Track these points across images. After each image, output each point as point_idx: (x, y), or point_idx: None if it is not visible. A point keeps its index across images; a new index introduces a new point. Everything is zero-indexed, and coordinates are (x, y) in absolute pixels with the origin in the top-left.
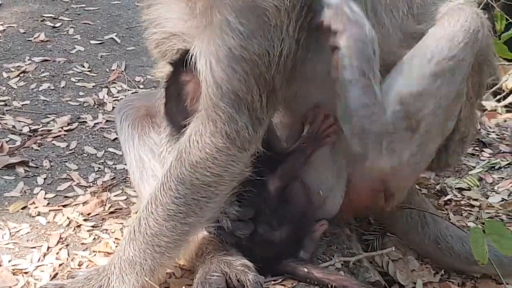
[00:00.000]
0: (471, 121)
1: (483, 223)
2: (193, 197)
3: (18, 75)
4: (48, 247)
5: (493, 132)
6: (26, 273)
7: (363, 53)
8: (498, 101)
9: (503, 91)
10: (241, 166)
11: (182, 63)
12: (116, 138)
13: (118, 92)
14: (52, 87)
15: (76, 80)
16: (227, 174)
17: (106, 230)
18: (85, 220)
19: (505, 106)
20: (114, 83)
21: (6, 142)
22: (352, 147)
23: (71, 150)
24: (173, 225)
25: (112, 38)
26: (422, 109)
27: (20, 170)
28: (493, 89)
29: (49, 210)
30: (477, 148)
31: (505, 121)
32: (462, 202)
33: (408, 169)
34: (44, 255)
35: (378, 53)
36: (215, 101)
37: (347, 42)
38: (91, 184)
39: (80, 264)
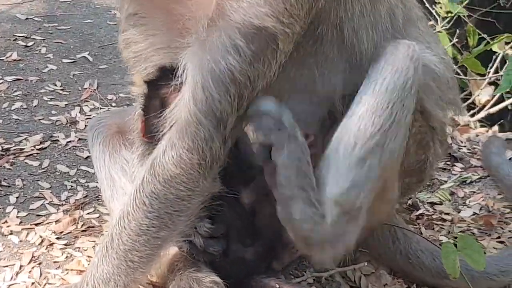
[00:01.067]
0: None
1: (455, 237)
2: (166, 211)
3: None
4: (21, 266)
5: (464, 146)
6: None
7: (301, 169)
8: (472, 115)
9: (476, 105)
10: (211, 183)
11: (162, 77)
12: (88, 156)
13: (91, 110)
14: (25, 106)
15: (49, 99)
16: (199, 189)
17: (79, 248)
18: (57, 238)
19: (478, 120)
20: (87, 101)
21: None
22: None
23: (43, 168)
24: (146, 240)
25: (85, 56)
26: (359, 197)
27: None
28: (466, 103)
29: (22, 229)
30: (448, 163)
31: (477, 135)
32: (434, 217)
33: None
34: (17, 273)
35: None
36: (198, 118)
37: (285, 161)
38: (64, 202)
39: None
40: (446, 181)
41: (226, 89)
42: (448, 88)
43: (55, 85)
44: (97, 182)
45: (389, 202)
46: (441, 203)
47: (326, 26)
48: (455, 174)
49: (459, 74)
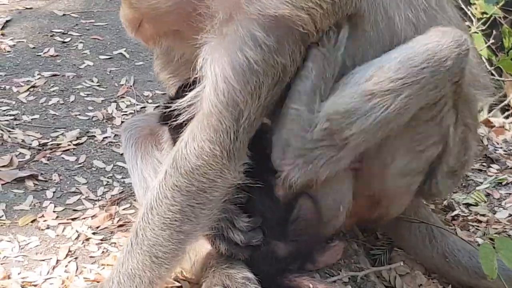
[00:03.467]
0: (464, 155)
1: (491, 239)
2: (188, 204)
3: (27, 90)
4: (57, 260)
5: (501, 148)
6: (35, 285)
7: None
8: (506, 117)
9: (511, 107)
10: (233, 174)
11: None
12: None
13: (127, 106)
14: (62, 102)
15: (85, 95)
16: (221, 180)
17: (115, 243)
18: (93, 233)
19: None
20: (123, 97)
21: (16, 156)
22: (272, 156)
23: (80, 164)
24: (169, 234)
25: (121, 53)
26: (349, 127)
27: (30, 183)
28: (501, 105)
29: (58, 224)
30: (484, 164)
31: None
32: (470, 218)
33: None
34: (53, 268)
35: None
36: (219, 109)
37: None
38: (100, 197)
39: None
40: (481, 182)
41: (246, 80)
42: (479, 76)
43: (92, 81)
44: None
45: (399, 176)
46: (476, 204)
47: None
48: (490, 176)
49: (494, 76)
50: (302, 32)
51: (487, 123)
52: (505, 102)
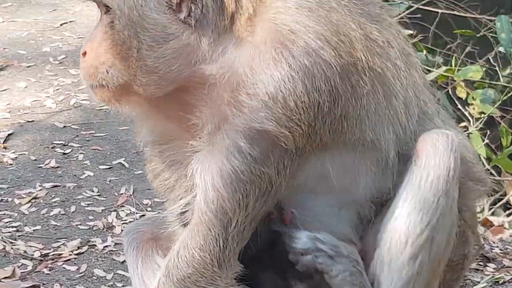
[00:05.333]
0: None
1: None
2: None
3: (29, 201)
4: None
5: (497, 247)
6: None
7: (355, 281)
8: (508, 215)
9: (511, 205)
10: (225, 281)
11: None
12: (125, 261)
13: (127, 215)
14: (63, 212)
15: (86, 205)
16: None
17: None
18: None
19: None
20: (123, 206)
21: (18, 267)
22: None
23: (81, 273)
24: None
25: (121, 162)
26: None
27: None
28: (500, 203)
29: None
30: (481, 263)
31: (511, 235)
32: None
33: None
34: None
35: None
36: (209, 216)
37: (339, 280)
38: None
39: None
40: (479, 282)
41: (234, 189)
42: (475, 168)
43: (92, 191)
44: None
45: None
46: None
47: (350, 133)
48: (487, 275)
49: (493, 175)
50: (285, 148)
51: (486, 222)
52: (504, 200)
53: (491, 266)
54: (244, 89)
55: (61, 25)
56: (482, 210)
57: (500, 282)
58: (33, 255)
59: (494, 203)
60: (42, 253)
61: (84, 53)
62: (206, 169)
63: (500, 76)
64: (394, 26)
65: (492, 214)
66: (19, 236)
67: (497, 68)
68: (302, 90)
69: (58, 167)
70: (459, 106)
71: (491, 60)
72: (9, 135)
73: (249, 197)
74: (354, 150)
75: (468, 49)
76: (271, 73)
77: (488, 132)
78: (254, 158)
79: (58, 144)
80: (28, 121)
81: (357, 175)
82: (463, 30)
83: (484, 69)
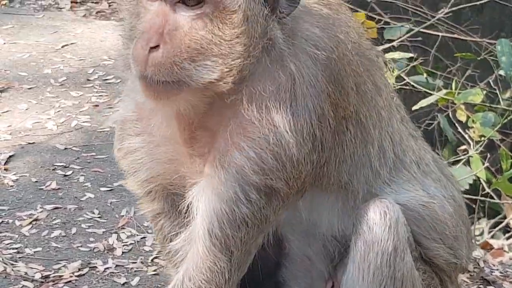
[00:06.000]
0: None
1: None
2: None
3: (30, 223)
4: None
5: (497, 269)
6: None
7: None
8: (507, 238)
9: (511, 229)
10: None
11: None
12: (126, 283)
13: (128, 237)
14: (63, 234)
15: (87, 226)
16: None
17: None
18: None
19: None
20: (123, 228)
21: None
22: None
23: None
24: None
25: (121, 185)
26: None
27: None
28: (500, 226)
29: None
30: (481, 286)
31: (510, 259)
32: None
33: None
34: None
35: None
36: (215, 252)
37: None
38: None
39: None
40: None
41: (238, 228)
42: (453, 226)
43: (93, 213)
44: None
45: None
46: None
47: (327, 177)
48: None
49: (493, 198)
50: (282, 196)
51: (486, 245)
52: (504, 224)
53: None
54: None
55: (62, 47)
56: (482, 233)
57: None
58: (34, 276)
59: (494, 226)
60: (43, 275)
61: (156, 46)
62: (210, 210)
63: (500, 100)
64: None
65: (492, 237)
66: (20, 257)
67: (497, 91)
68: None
69: (59, 189)
70: (459, 129)
71: (492, 84)
72: (10, 156)
73: (249, 234)
74: (326, 190)
75: (468, 72)
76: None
77: (488, 155)
78: (257, 205)
79: (59, 166)
80: (29, 143)
81: (323, 211)
82: (464, 54)
83: (484, 92)
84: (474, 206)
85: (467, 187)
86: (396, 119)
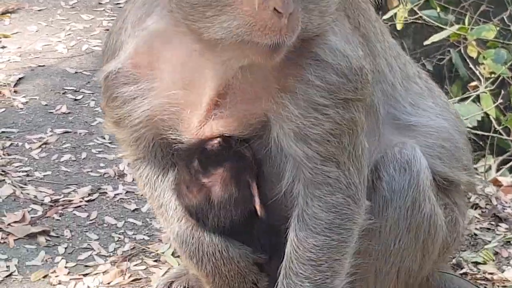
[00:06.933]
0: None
1: None
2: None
3: (40, 147)
4: None
5: (509, 207)
6: None
7: None
8: None
9: None
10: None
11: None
12: (136, 209)
13: None
14: (73, 158)
15: (97, 152)
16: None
17: None
18: None
19: None
20: None
21: (28, 212)
22: None
23: (91, 220)
24: None
25: None
26: None
27: (42, 239)
28: (509, 164)
29: (70, 279)
30: (492, 223)
31: None
32: (478, 276)
33: None
34: None
35: None
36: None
37: None
38: (111, 253)
39: None
40: (490, 241)
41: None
42: (462, 153)
43: (104, 138)
44: (144, 235)
45: None
46: (485, 263)
47: None
48: (499, 234)
49: (502, 135)
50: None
51: (496, 182)
52: None
53: (503, 226)
54: None
55: None
56: (488, 170)
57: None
58: (43, 200)
59: (501, 164)
60: (52, 199)
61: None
62: (299, 137)
63: None
64: None
65: (500, 175)
66: (29, 181)
67: (510, 28)
68: None
69: (69, 113)
70: (470, 65)
71: (506, 20)
72: (19, 79)
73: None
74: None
75: (482, 7)
76: None
77: (499, 91)
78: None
79: (69, 90)
80: (39, 66)
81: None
82: None
83: (497, 28)
84: (481, 143)
85: (475, 123)
86: (388, 36)
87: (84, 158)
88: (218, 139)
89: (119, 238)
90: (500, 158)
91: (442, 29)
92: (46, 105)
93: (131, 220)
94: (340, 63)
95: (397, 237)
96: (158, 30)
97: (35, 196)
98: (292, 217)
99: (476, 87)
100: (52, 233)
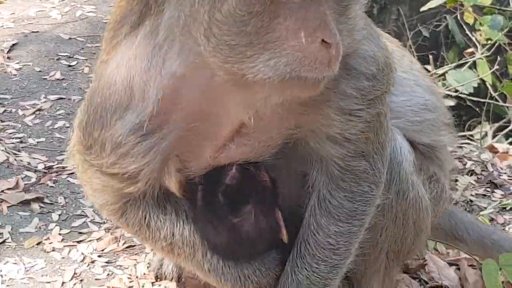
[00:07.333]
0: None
1: None
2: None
3: (33, 113)
4: (63, 282)
5: (505, 173)
6: None
7: None
8: (511, 143)
9: None
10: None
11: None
12: None
13: None
14: (67, 125)
15: None
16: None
17: (120, 266)
18: (99, 256)
19: None
20: None
21: (22, 178)
22: None
23: None
24: None
25: None
26: None
27: (35, 206)
28: (505, 131)
29: (64, 246)
30: (488, 189)
31: None
32: None
33: None
34: None
35: None
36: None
37: None
38: (105, 220)
39: None
40: (486, 207)
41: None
42: (442, 115)
43: None
44: None
45: None
46: None
47: None
48: (495, 201)
49: (498, 101)
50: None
51: (492, 148)
52: (510, 128)
53: (499, 192)
54: None
55: None
56: (484, 136)
57: (507, 208)
58: (36, 167)
59: (497, 130)
60: (46, 166)
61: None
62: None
63: (510, 2)
64: None
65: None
66: (22, 147)
67: None
68: None
69: (63, 79)
70: (467, 31)
71: None
72: (13, 45)
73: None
74: None
75: None
76: None
77: (496, 58)
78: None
79: (63, 56)
80: (33, 32)
81: None
82: None
83: None
84: (477, 109)
85: (472, 90)
86: None
87: None
88: (234, 171)
89: None
90: (496, 124)
91: None
92: (39, 71)
93: None
94: (371, 68)
95: (384, 228)
96: (184, 75)
97: (29, 163)
98: (311, 203)
99: (472, 53)
100: (46, 200)
